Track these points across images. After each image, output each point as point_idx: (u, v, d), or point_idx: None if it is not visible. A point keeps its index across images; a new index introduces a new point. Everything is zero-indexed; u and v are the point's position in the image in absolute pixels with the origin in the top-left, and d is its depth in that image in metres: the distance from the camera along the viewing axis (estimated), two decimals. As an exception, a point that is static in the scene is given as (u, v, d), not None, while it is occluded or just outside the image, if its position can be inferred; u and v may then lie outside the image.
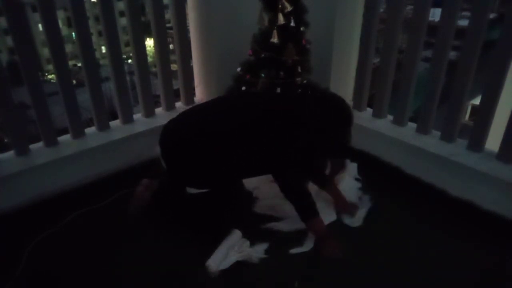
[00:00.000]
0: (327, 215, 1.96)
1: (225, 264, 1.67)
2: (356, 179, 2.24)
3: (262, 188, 2.13)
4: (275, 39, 2.07)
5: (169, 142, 1.80)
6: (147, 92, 2.44)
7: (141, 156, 2.33)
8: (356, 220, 1.97)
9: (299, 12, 2.07)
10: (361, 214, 2.00)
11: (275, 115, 1.73)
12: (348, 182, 2.20)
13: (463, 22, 2.06)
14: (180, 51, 2.49)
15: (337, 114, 1.79)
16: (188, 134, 1.76)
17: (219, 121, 1.75)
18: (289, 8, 2.03)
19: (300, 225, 1.80)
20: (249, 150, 1.71)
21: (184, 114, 1.88)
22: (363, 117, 2.54)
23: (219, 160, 1.72)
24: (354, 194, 2.12)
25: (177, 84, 2.63)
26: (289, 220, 1.90)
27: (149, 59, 2.55)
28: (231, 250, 1.73)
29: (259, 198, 2.09)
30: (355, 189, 2.16)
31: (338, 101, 1.82)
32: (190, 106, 1.95)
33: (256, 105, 1.82)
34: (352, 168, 2.31)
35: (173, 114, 2.50)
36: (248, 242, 1.77)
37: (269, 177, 1.91)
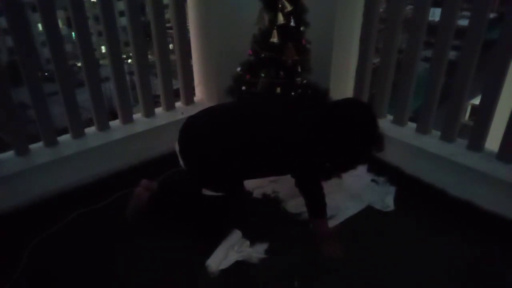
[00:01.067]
0: (358, 203, 2.06)
1: (225, 264, 1.67)
2: (373, 180, 2.25)
3: (282, 188, 2.15)
4: (275, 39, 2.07)
5: (191, 146, 1.72)
6: (147, 92, 2.44)
7: (141, 156, 2.33)
8: (387, 206, 2.04)
9: (299, 12, 2.07)
10: (389, 199, 2.07)
11: (302, 124, 1.67)
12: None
13: (463, 22, 2.06)
14: (180, 51, 2.49)
15: (365, 124, 1.68)
16: (211, 140, 1.68)
17: (244, 127, 1.68)
18: (289, 8, 2.03)
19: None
20: (273, 158, 1.67)
21: (206, 115, 1.79)
22: (363, 117, 2.53)
23: (240, 168, 1.70)
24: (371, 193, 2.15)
25: (177, 84, 2.64)
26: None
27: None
28: (231, 250, 1.73)
29: (283, 199, 2.10)
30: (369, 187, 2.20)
31: (365, 109, 1.74)
32: (210, 105, 1.87)
33: (280, 112, 1.74)
34: (361, 170, 2.31)
35: (173, 114, 2.53)
36: (248, 242, 1.77)
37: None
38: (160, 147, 2.36)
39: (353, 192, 2.13)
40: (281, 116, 1.72)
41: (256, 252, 1.74)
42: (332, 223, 1.92)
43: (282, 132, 1.65)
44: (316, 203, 1.76)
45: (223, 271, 1.65)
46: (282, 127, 1.67)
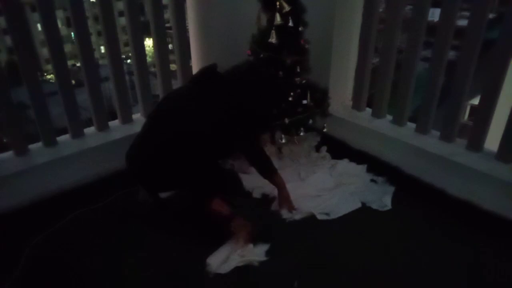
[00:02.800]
0: (352, 203, 2.05)
1: (224, 269, 1.66)
2: (372, 180, 2.26)
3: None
4: (273, 39, 2.07)
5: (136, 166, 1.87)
6: (146, 92, 2.44)
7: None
8: (384, 205, 2.05)
9: (297, 12, 2.07)
10: (387, 198, 2.08)
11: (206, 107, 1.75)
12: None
13: (462, 22, 2.06)
14: (179, 51, 2.49)
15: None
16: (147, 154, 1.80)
17: (160, 133, 1.78)
18: (287, 8, 2.03)
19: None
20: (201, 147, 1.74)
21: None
22: (362, 117, 2.54)
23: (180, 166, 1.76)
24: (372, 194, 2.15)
25: (177, 84, 2.63)
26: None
27: (148, 59, 2.54)
28: (233, 253, 1.72)
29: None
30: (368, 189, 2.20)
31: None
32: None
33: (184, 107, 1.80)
34: (361, 169, 2.32)
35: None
36: (251, 246, 1.76)
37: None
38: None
39: (350, 191, 2.13)
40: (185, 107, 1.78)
41: (257, 255, 1.73)
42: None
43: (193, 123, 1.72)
44: (263, 164, 1.94)
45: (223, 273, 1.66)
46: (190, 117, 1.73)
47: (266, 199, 2.11)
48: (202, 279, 1.63)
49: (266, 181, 2.17)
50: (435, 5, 2.09)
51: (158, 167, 1.76)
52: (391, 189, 2.15)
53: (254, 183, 2.17)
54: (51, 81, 12.46)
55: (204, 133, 1.69)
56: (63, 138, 2.23)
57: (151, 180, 1.85)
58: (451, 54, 2.11)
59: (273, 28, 2.06)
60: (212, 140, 1.71)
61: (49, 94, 2.26)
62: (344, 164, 2.37)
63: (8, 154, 2.07)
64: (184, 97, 1.85)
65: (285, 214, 1.98)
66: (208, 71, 1.86)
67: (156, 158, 1.76)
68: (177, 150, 1.71)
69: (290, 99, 2.14)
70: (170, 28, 2.45)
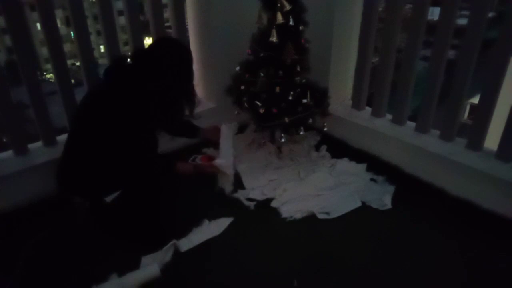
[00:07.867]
0: (352, 202, 2.05)
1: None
2: (371, 179, 2.26)
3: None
4: (274, 38, 2.07)
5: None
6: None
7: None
8: (384, 204, 2.04)
9: (298, 11, 2.07)
10: (387, 197, 2.08)
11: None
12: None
13: (462, 21, 2.06)
14: (179, 50, 2.49)
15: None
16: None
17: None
18: (288, 7, 2.03)
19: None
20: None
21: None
22: (362, 116, 2.54)
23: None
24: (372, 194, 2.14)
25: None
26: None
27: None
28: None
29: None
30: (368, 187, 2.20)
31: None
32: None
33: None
34: (361, 168, 2.32)
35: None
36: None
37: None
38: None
39: (350, 191, 2.13)
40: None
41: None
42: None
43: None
44: (188, 131, 2.12)
45: (223, 272, 1.66)
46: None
47: (266, 199, 2.11)
48: (199, 280, 1.63)
49: (266, 181, 2.18)
50: (434, 4, 2.09)
51: (97, 168, 1.72)
52: (391, 188, 2.15)
53: (254, 183, 2.18)
54: (50, 80, 12.44)
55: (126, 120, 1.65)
56: (63, 137, 2.22)
57: (92, 184, 1.76)
58: (451, 53, 2.11)
59: (274, 27, 2.06)
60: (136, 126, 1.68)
61: (48, 93, 2.25)
62: (344, 163, 2.37)
63: (8, 153, 2.06)
64: (96, 95, 1.78)
65: (284, 213, 1.98)
66: (116, 63, 1.80)
67: (93, 160, 1.72)
68: (111, 144, 1.68)
69: (290, 98, 2.13)
70: (169, 27, 2.45)
